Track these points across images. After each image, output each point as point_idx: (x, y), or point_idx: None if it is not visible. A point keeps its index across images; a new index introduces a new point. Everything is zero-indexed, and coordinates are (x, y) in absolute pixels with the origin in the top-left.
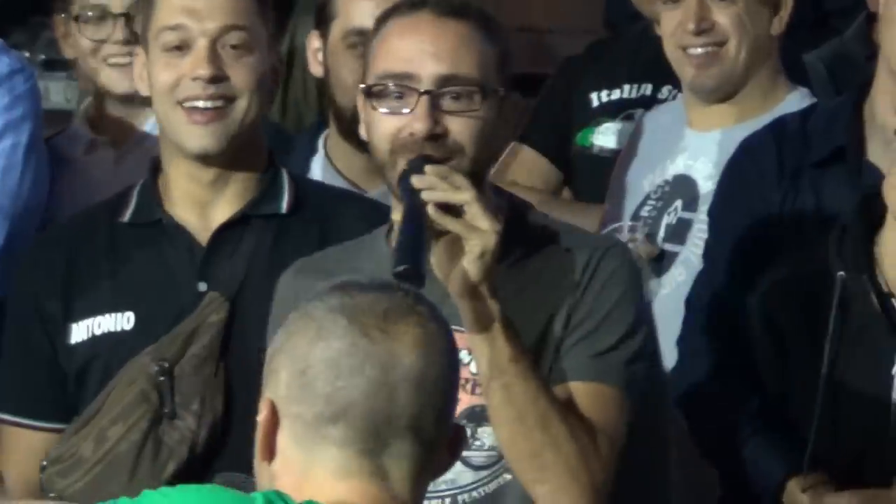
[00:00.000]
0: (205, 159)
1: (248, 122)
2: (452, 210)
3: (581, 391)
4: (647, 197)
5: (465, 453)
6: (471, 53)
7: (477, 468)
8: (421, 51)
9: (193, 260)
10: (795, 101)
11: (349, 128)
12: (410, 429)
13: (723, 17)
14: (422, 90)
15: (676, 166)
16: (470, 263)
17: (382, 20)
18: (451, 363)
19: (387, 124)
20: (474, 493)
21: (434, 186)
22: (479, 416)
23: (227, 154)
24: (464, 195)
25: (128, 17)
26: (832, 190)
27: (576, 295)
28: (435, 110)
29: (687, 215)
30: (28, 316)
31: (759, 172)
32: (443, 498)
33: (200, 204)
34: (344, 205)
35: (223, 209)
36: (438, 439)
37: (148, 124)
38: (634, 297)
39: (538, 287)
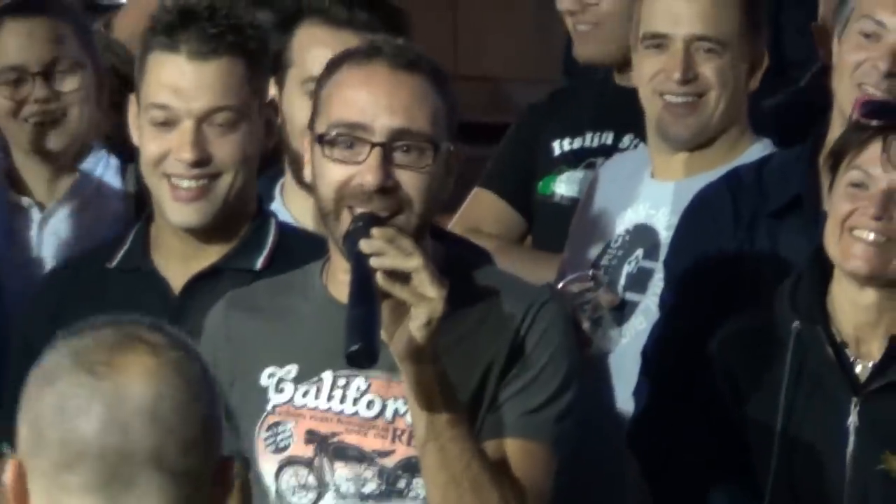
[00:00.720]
0: (188, 229)
1: (233, 194)
2: (399, 275)
3: (512, 447)
4: (608, 245)
5: (398, 502)
6: (424, 108)
7: None
8: (375, 103)
9: (166, 309)
10: (758, 151)
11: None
12: (152, 464)
13: (708, 69)
14: (374, 142)
15: (637, 215)
16: (416, 330)
17: (335, 65)
18: (196, 389)
19: (336, 172)
20: None
21: (382, 252)
22: (414, 467)
23: (212, 223)
24: (412, 262)
25: (45, 75)
26: (788, 239)
27: (511, 349)
28: (386, 163)
29: (648, 264)
30: (20, 352)
31: (714, 222)
32: None
33: (183, 255)
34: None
35: (202, 260)
36: (194, 472)
37: (87, 163)
38: (567, 352)
39: (476, 339)
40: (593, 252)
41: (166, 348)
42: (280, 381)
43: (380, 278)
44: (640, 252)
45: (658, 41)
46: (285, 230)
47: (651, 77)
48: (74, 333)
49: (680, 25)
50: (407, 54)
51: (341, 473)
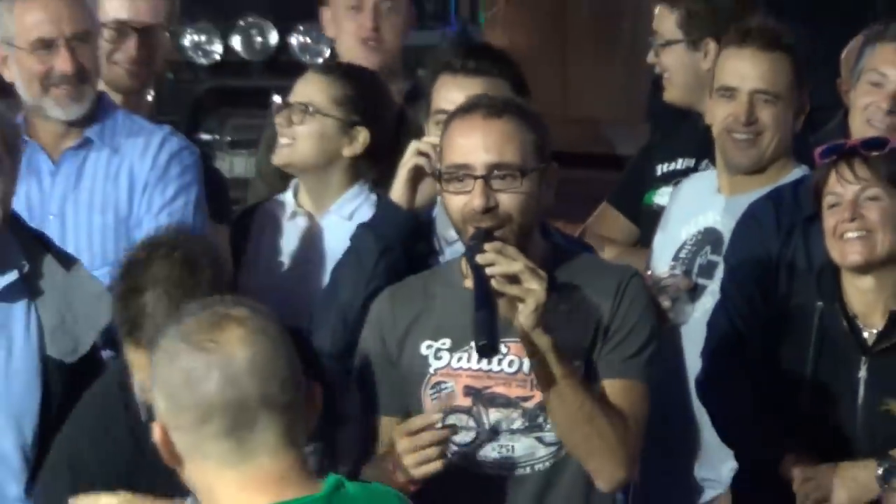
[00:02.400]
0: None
1: None
2: (509, 276)
3: (616, 386)
4: (685, 243)
5: (538, 433)
6: (513, 144)
7: (548, 444)
8: (474, 145)
9: None
10: (797, 174)
11: None
12: (263, 406)
13: (765, 115)
14: (476, 175)
15: (707, 220)
16: (527, 316)
17: (450, 120)
18: (277, 343)
19: (455, 201)
20: (546, 463)
21: (494, 262)
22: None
23: None
24: (516, 266)
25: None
26: (816, 240)
27: (610, 314)
28: (487, 189)
29: (714, 258)
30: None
31: (760, 227)
32: (524, 466)
33: None
34: None
35: None
36: (292, 402)
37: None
38: (650, 314)
39: (582, 309)
40: (674, 247)
41: (248, 318)
42: (437, 350)
43: (494, 283)
44: (708, 248)
45: (729, 92)
46: None
47: (723, 118)
48: (177, 321)
49: (746, 81)
50: (497, 104)
51: (494, 416)
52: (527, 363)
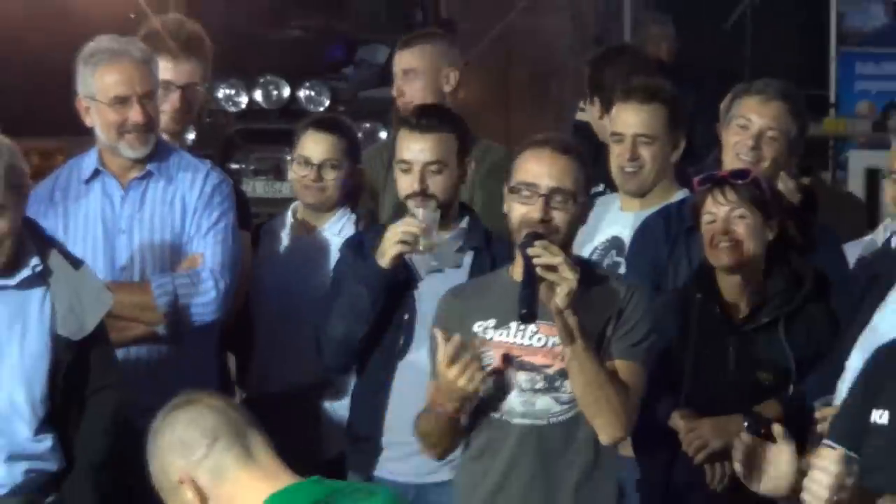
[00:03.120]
0: None
1: None
2: (550, 267)
3: (622, 366)
4: (596, 248)
5: (555, 394)
6: (569, 176)
7: (562, 403)
8: (542, 171)
9: None
10: (680, 195)
11: None
12: (245, 422)
13: (646, 152)
14: (541, 193)
15: (613, 231)
16: (561, 298)
17: (523, 148)
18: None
19: (519, 209)
20: (561, 418)
21: (540, 254)
22: (565, 374)
23: None
24: (557, 259)
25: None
26: (696, 246)
27: (620, 309)
28: (546, 206)
29: (619, 259)
30: None
31: (653, 236)
32: (543, 419)
33: None
34: None
35: None
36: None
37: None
38: (650, 315)
39: (599, 306)
40: (587, 251)
41: (204, 395)
42: (485, 328)
43: (538, 270)
44: (613, 252)
45: (618, 138)
46: None
47: (616, 157)
48: (156, 417)
49: (629, 128)
50: (564, 144)
51: (522, 377)
52: (551, 340)
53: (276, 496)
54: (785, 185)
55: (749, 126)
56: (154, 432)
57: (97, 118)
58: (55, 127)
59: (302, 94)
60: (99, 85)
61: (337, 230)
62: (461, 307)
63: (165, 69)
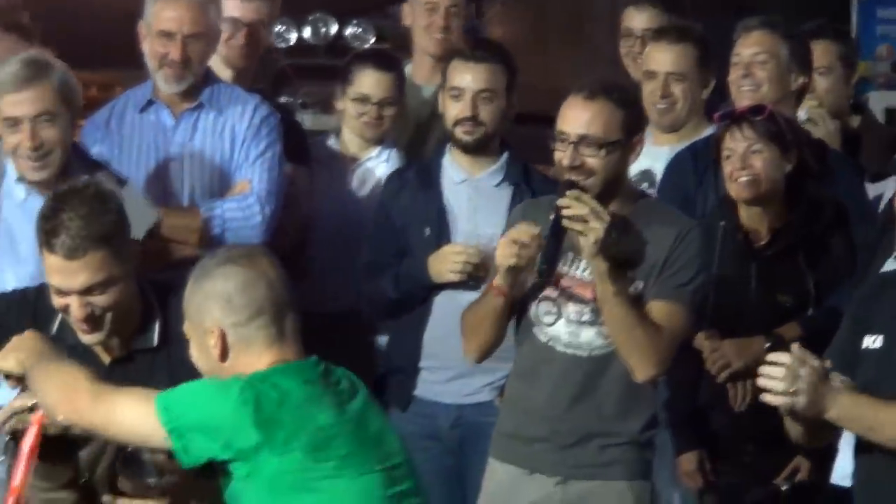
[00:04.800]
0: None
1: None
2: (581, 216)
3: (663, 306)
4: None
5: (599, 327)
6: (599, 120)
7: (605, 337)
8: (571, 117)
9: None
10: (709, 132)
11: None
12: (287, 304)
13: (677, 89)
14: (570, 141)
15: (644, 164)
16: (588, 247)
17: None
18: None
19: (557, 156)
20: (601, 351)
21: (568, 205)
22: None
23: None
24: (584, 209)
25: None
26: (723, 178)
27: (670, 250)
28: (575, 153)
29: (650, 192)
30: None
31: (682, 168)
32: (586, 350)
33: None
34: None
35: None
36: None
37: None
38: (700, 257)
39: (652, 243)
40: None
41: (265, 253)
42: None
43: (564, 221)
44: (645, 185)
45: (650, 75)
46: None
47: (648, 94)
48: (212, 255)
49: (661, 66)
50: (594, 89)
51: (570, 308)
52: None
53: (281, 367)
54: (825, 126)
55: (739, 60)
56: (205, 270)
57: (146, 45)
58: (114, 59)
59: (349, 31)
60: (153, 15)
61: (384, 158)
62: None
63: (234, 7)
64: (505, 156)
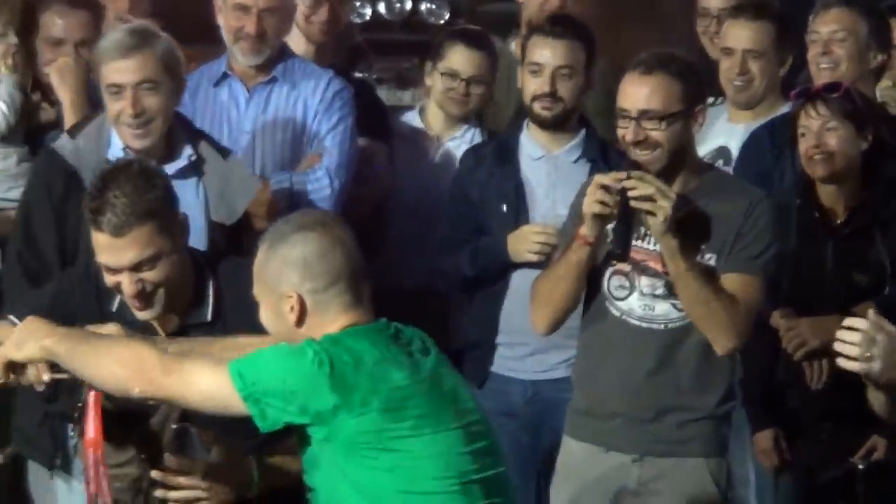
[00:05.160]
0: None
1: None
2: (647, 196)
3: (738, 279)
4: (703, 157)
5: (674, 300)
6: (659, 94)
7: (680, 310)
8: (631, 94)
9: None
10: (786, 109)
11: None
12: (362, 271)
13: (754, 67)
14: (631, 117)
15: (720, 141)
16: (655, 226)
17: (626, 71)
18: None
19: (620, 132)
20: (677, 323)
21: (634, 186)
22: None
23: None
24: (650, 189)
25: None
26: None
27: (742, 221)
28: (637, 127)
29: (725, 169)
30: None
31: (760, 148)
32: (661, 323)
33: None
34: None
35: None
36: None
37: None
38: (772, 228)
39: (725, 216)
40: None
41: (338, 220)
42: (613, 228)
43: (632, 203)
44: (720, 162)
45: (728, 52)
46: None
47: (726, 70)
48: (286, 221)
49: (739, 43)
50: (650, 63)
51: (644, 281)
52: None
53: (352, 329)
54: None
55: (818, 37)
56: (281, 235)
57: (222, 19)
58: (190, 35)
59: (423, 6)
60: None
61: (468, 139)
62: None
63: None
64: (583, 132)
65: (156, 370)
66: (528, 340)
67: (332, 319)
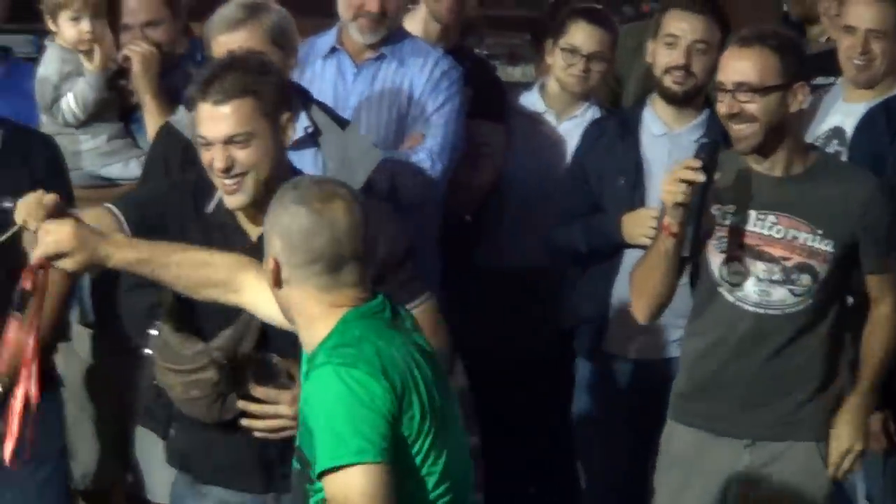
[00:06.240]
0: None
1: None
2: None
3: (879, 280)
4: (818, 137)
5: (790, 286)
6: (754, 67)
7: (797, 296)
8: (728, 67)
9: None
10: None
11: None
12: (352, 256)
13: (876, 46)
14: (727, 89)
15: (835, 121)
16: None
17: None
18: (363, 217)
19: (718, 106)
20: (795, 308)
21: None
22: (804, 268)
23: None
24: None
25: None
26: None
27: (863, 213)
28: (732, 100)
29: (839, 149)
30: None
31: (875, 129)
32: (777, 309)
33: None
34: None
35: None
36: (368, 255)
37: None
38: (894, 215)
39: (832, 201)
40: (810, 139)
41: (349, 196)
42: (724, 214)
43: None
44: (836, 141)
45: (850, 30)
46: None
47: (846, 48)
48: (296, 186)
49: (862, 22)
50: (746, 35)
51: (759, 266)
52: (791, 233)
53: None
54: None
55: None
56: (283, 199)
57: None
58: (303, 7)
59: None
60: None
61: (588, 118)
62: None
63: None
64: (706, 112)
65: None
66: (636, 319)
67: (310, 294)
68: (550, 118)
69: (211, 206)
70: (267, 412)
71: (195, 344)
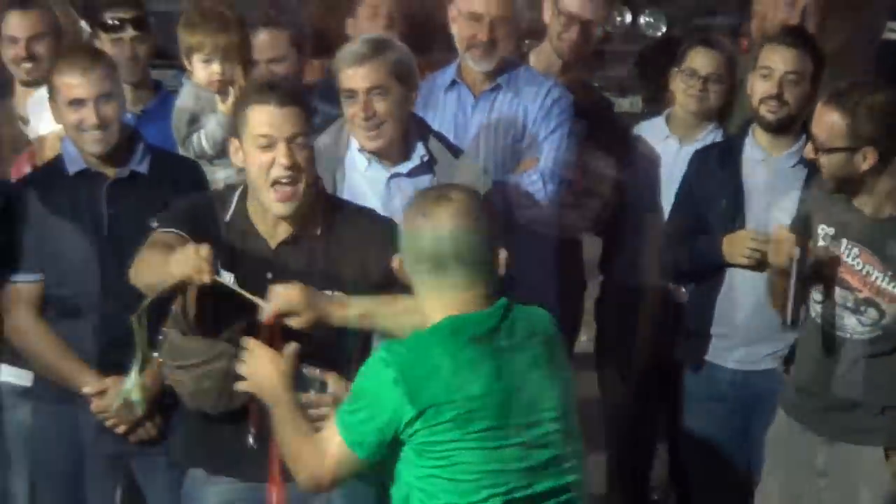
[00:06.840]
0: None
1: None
2: None
3: None
4: None
5: (860, 316)
6: (823, 128)
7: (864, 325)
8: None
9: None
10: None
11: None
12: (455, 259)
13: None
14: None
15: None
16: None
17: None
18: (475, 217)
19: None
20: (863, 336)
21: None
22: (870, 302)
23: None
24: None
25: None
26: None
27: None
28: (811, 148)
29: None
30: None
31: None
32: (848, 333)
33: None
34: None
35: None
36: (478, 258)
37: None
38: None
39: None
40: None
41: (459, 200)
42: (825, 234)
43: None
44: None
45: None
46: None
47: None
48: (421, 195)
49: None
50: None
51: (837, 292)
52: (867, 268)
53: (442, 326)
54: None
55: None
56: (414, 198)
57: (456, 28)
58: (423, 45)
59: (642, 20)
60: (464, 4)
61: (710, 140)
62: (822, 198)
63: (573, 3)
64: (803, 138)
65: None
66: (737, 332)
67: (424, 294)
68: (674, 143)
69: (228, 215)
70: (319, 416)
71: (201, 341)
